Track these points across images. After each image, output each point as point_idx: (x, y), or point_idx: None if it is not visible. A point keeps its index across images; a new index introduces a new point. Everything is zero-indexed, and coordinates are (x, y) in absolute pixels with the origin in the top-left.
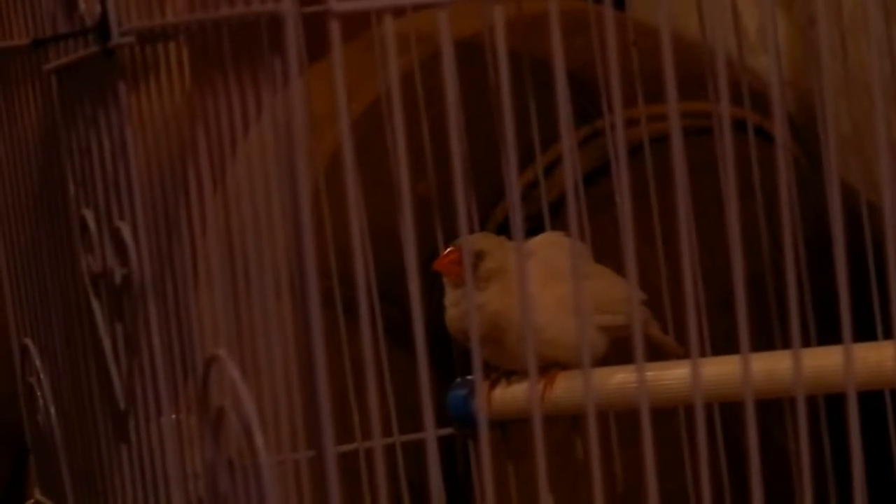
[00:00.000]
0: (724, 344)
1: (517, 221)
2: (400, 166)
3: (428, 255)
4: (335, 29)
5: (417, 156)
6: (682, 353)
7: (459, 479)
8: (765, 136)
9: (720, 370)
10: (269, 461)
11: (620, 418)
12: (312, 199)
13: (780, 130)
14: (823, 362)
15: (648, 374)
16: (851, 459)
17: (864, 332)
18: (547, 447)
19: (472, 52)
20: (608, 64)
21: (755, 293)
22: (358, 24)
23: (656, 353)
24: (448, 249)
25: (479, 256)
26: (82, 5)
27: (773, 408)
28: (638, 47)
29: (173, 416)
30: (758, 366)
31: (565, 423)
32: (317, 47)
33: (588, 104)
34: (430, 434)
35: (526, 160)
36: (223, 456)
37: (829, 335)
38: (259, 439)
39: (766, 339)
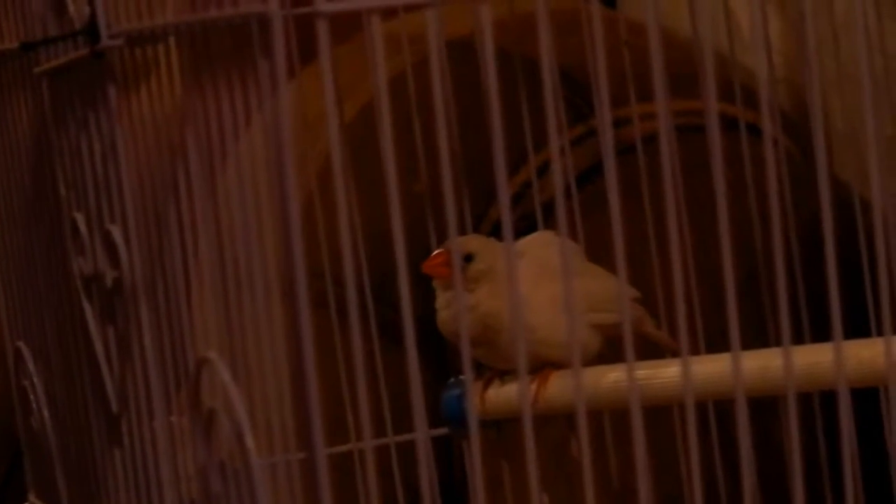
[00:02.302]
0: (720, 341)
1: (507, 221)
2: (388, 167)
3: (424, 255)
4: (323, 29)
5: (412, 156)
6: (678, 349)
7: (456, 480)
8: (759, 134)
9: (712, 368)
10: (259, 463)
11: (617, 417)
12: (306, 199)
13: (767, 123)
14: (816, 359)
15: (642, 372)
16: (844, 456)
17: (861, 329)
18: (543, 446)
19: (466, 52)
20: (596, 62)
21: (752, 290)
22: (353, 24)
23: (655, 351)
24: (436, 251)
25: (468, 258)
26: (71, 8)
27: (771, 407)
28: (629, 46)
29: (166, 419)
30: (750, 363)
31: (561, 423)
32: (314, 48)
33: (583, 102)
34: (421, 434)
35: (521, 160)
36: (215, 458)
37: (825, 332)
38: (249, 441)
39: (762, 337)
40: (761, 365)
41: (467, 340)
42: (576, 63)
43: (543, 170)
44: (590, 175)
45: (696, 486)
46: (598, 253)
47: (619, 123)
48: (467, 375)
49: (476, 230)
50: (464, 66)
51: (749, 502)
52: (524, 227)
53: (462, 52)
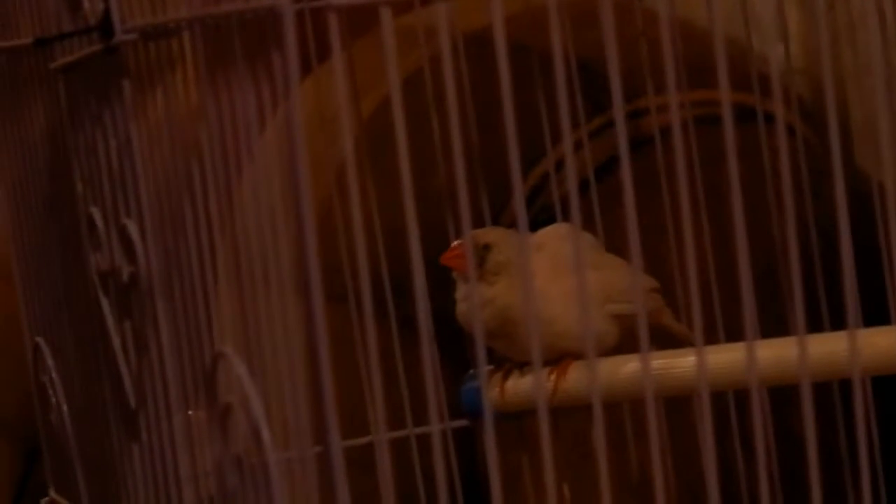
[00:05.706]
0: (740, 333)
1: (522, 213)
2: (402, 161)
3: (445, 249)
4: (334, 23)
5: (432, 151)
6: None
7: (479, 471)
8: None
9: (727, 358)
10: (276, 458)
11: (637, 407)
12: (325, 194)
13: (780, 111)
14: (831, 348)
15: (659, 363)
16: (860, 445)
17: (881, 318)
18: (568, 437)
19: (485, 46)
20: (609, 53)
21: (773, 282)
22: (372, 19)
23: (673, 341)
24: (455, 243)
25: (486, 249)
26: (86, 4)
27: (792, 399)
28: (647, 37)
29: (183, 414)
30: (767, 353)
31: (585, 414)
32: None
33: (602, 94)
34: (436, 427)
35: (540, 152)
36: (231, 453)
37: (845, 321)
38: (266, 436)
39: (783, 328)
40: (776, 354)
41: (481, 332)
42: (595, 55)
43: (563, 162)
44: (610, 166)
45: (711, 475)
46: (619, 244)
47: (637, 115)
48: (481, 367)
49: (496, 223)
50: (482, 60)
51: (764, 489)
52: (545, 218)
53: (481, 45)
